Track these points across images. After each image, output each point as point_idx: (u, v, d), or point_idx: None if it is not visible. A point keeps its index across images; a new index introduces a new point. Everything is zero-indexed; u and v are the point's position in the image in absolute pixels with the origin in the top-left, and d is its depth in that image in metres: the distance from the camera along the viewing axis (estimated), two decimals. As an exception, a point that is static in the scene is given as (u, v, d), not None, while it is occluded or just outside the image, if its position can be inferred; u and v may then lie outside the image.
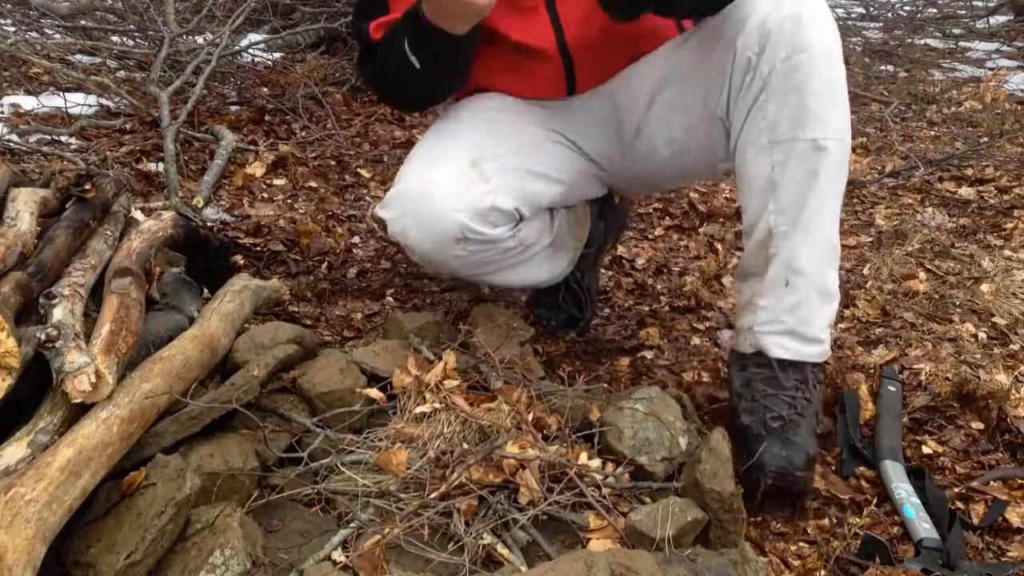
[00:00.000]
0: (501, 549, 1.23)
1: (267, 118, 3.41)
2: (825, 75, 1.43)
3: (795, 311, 1.58)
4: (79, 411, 1.24)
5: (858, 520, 1.49)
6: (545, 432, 1.45)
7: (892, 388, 1.81)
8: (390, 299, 2.21)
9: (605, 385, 1.75)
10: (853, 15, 6.67)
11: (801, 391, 1.59)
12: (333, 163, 3.10)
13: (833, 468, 1.64)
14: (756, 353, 1.62)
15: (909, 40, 5.70)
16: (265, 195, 2.77)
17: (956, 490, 1.58)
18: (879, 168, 3.40)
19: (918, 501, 1.51)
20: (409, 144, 3.34)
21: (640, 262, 2.53)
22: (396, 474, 1.32)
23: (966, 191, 3.12)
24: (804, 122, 1.45)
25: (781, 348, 1.60)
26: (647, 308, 2.25)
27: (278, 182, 2.88)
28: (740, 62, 1.50)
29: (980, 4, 6.90)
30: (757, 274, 1.63)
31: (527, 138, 1.71)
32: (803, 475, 1.48)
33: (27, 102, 3.23)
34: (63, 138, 2.94)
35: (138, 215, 1.91)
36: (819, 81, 1.43)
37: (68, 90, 3.32)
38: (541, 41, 1.63)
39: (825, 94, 1.44)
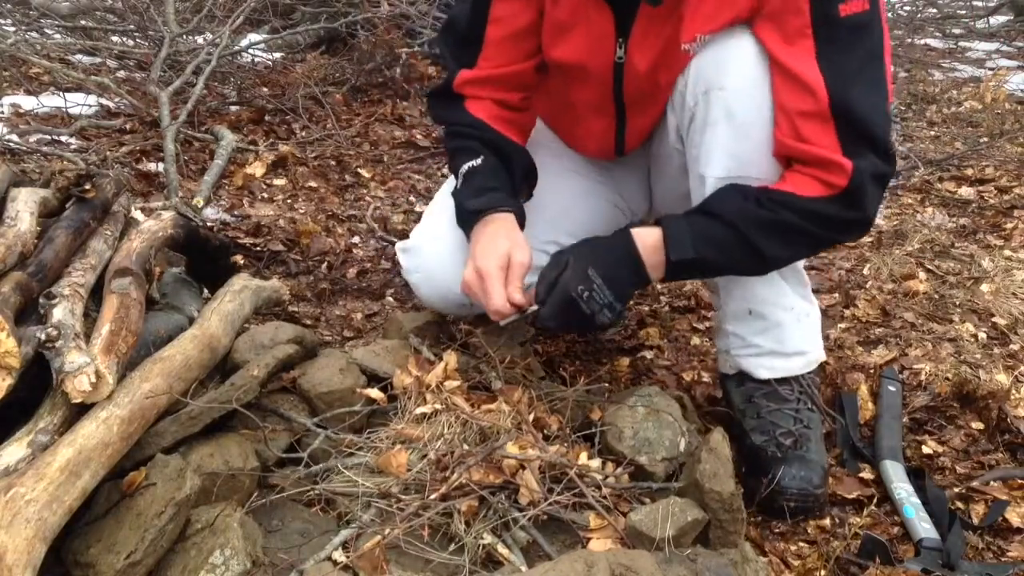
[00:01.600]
0: (501, 549, 1.23)
1: (267, 118, 3.41)
2: (740, 113, 1.37)
3: (767, 333, 1.59)
4: (79, 411, 1.24)
5: (858, 520, 1.49)
6: (546, 432, 1.45)
7: (892, 388, 1.81)
8: (390, 299, 2.21)
9: (606, 384, 1.75)
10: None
11: (803, 401, 1.59)
12: (333, 163, 3.10)
13: (834, 464, 1.64)
14: (742, 372, 1.63)
15: (909, 40, 5.70)
16: (265, 195, 2.77)
17: (956, 490, 1.58)
18: (879, 168, 3.40)
19: (918, 501, 1.51)
20: (409, 144, 3.34)
21: (640, 262, 2.53)
22: (397, 476, 1.32)
23: (966, 191, 3.12)
24: (716, 160, 1.40)
25: (764, 369, 1.60)
26: (647, 308, 2.25)
27: (278, 182, 2.88)
28: (678, 92, 1.47)
29: (980, 4, 6.90)
30: (714, 291, 1.65)
31: (567, 199, 1.70)
32: (821, 492, 1.50)
33: (27, 102, 3.23)
34: (63, 138, 2.94)
35: (138, 215, 1.91)
36: (733, 119, 1.38)
37: (68, 90, 3.32)
38: (600, 146, 1.66)
39: (740, 132, 1.38)
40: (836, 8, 1.28)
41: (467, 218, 1.51)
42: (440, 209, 1.70)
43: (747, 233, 1.35)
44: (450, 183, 1.71)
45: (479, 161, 1.53)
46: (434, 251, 1.65)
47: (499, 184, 1.52)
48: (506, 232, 1.46)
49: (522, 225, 1.52)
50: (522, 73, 1.58)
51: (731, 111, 1.37)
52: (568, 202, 1.70)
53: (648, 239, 1.39)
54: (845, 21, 1.29)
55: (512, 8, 1.51)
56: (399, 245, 1.73)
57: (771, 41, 1.34)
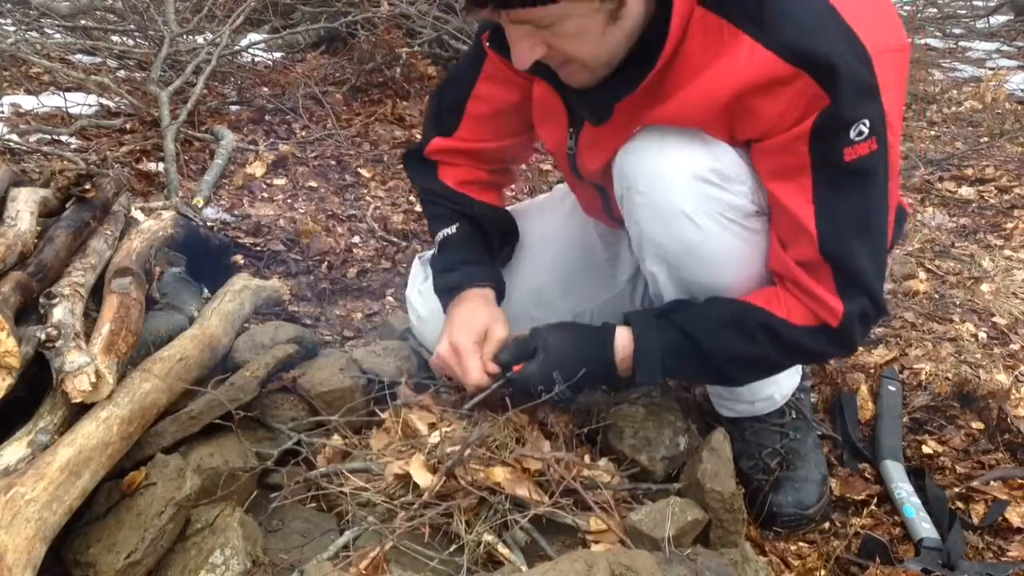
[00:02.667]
0: (501, 549, 1.23)
1: (267, 118, 3.41)
2: (651, 210, 1.28)
3: (730, 389, 1.55)
4: (79, 411, 1.24)
5: (858, 520, 1.49)
6: (549, 428, 1.44)
7: (892, 388, 1.81)
8: (390, 299, 2.21)
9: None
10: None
11: (788, 414, 1.57)
12: (333, 163, 3.10)
13: (836, 464, 1.64)
14: None
15: (909, 40, 5.70)
16: (265, 195, 2.77)
17: (956, 490, 1.58)
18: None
19: (918, 501, 1.51)
20: (409, 144, 3.33)
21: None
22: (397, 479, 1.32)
23: (966, 191, 3.12)
24: (643, 247, 1.35)
25: (726, 409, 1.58)
26: (647, 308, 2.25)
27: (278, 182, 2.87)
28: (613, 174, 1.36)
29: (980, 4, 6.89)
30: None
31: (569, 266, 1.63)
32: (816, 508, 1.49)
33: (27, 102, 3.22)
34: (63, 138, 2.94)
35: (138, 215, 1.91)
36: (648, 216, 1.29)
37: (68, 90, 3.32)
38: (596, 213, 1.59)
39: (654, 226, 1.30)
40: (840, 153, 1.15)
41: (443, 293, 1.49)
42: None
43: (723, 366, 1.31)
44: None
45: (453, 230, 1.51)
46: (430, 317, 1.59)
47: (473, 256, 1.50)
48: (484, 307, 1.43)
49: (501, 295, 1.49)
50: (499, 150, 1.54)
51: (647, 214, 1.29)
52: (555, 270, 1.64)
53: (625, 348, 1.34)
54: (848, 166, 1.16)
55: (493, 90, 1.47)
56: (412, 292, 1.67)
57: (765, 173, 1.24)
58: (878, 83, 1.13)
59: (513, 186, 1.67)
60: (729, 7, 1.13)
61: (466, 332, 1.39)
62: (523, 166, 2.76)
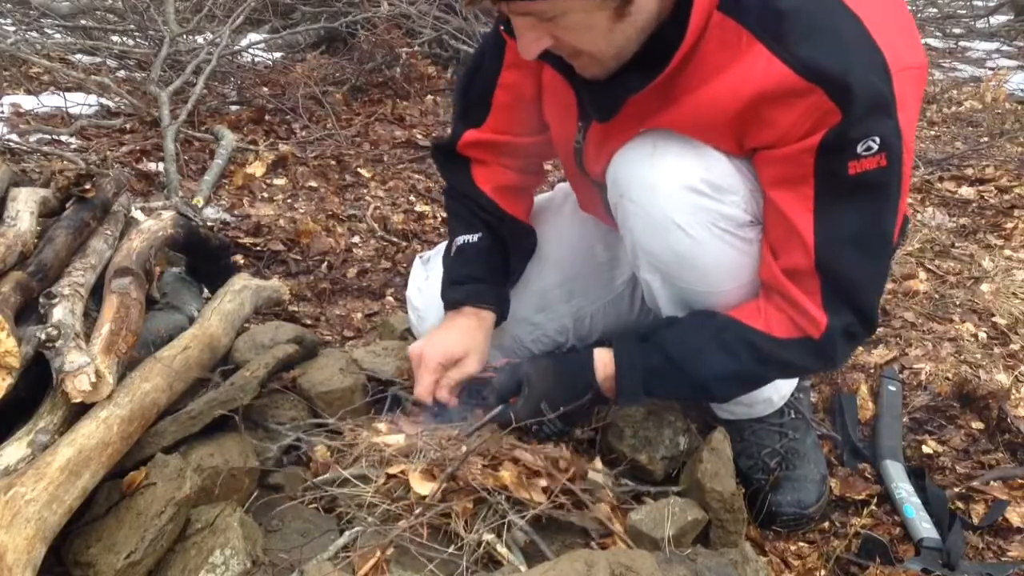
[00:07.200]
0: (501, 549, 1.23)
1: (267, 118, 3.41)
2: (643, 220, 1.29)
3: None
4: (79, 411, 1.23)
5: (858, 520, 1.49)
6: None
7: (892, 388, 1.81)
8: (390, 299, 2.21)
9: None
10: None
11: (787, 414, 1.57)
12: (333, 163, 3.10)
13: (836, 464, 1.64)
14: None
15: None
16: (265, 195, 2.77)
17: (956, 490, 1.58)
18: (879, 168, 3.39)
19: (918, 501, 1.51)
20: (409, 144, 3.33)
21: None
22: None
23: (966, 191, 3.12)
24: (637, 256, 1.35)
25: (725, 412, 1.57)
26: (647, 308, 2.25)
27: (278, 182, 2.87)
28: (607, 181, 1.37)
29: (980, 4, 6.89)
30: None
31: (572, 269, 1.63)
32: (816, 508, 1.49)
33: (27, 102, 3.23)
34: (63, 138, 2.94)
35: (138, 215, 1.91)
36: (641, 226, 1.30)
37: (68, 90, 3.32)
38: (598, 212, 1.57)
39: (647, 236, 1.30)
40: (845, 166, 1.14)
41: (447, 302, 1.50)
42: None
43: (706, 384, 1.33)
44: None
45: (475, 238, 1.51)
46: (433, 315, 1.61)
47: (487, 273, 1.50)
48: (472, 332, 1.45)
49: (503, 316, 1.50)
50: (527, 146, 1.52)
51: (640, 223, 1.30)
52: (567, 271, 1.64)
53: (607, 369, 1.36)
54: (852, 179, 1.14)
55: (517, 77, 1.45)
56: (412, 291, 1.69)
57: (767, 180, 1.23)
58: (896, 101, 1.12)
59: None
60: (748, 15, 1.12)
61: (439, 350, 1.41)
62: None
